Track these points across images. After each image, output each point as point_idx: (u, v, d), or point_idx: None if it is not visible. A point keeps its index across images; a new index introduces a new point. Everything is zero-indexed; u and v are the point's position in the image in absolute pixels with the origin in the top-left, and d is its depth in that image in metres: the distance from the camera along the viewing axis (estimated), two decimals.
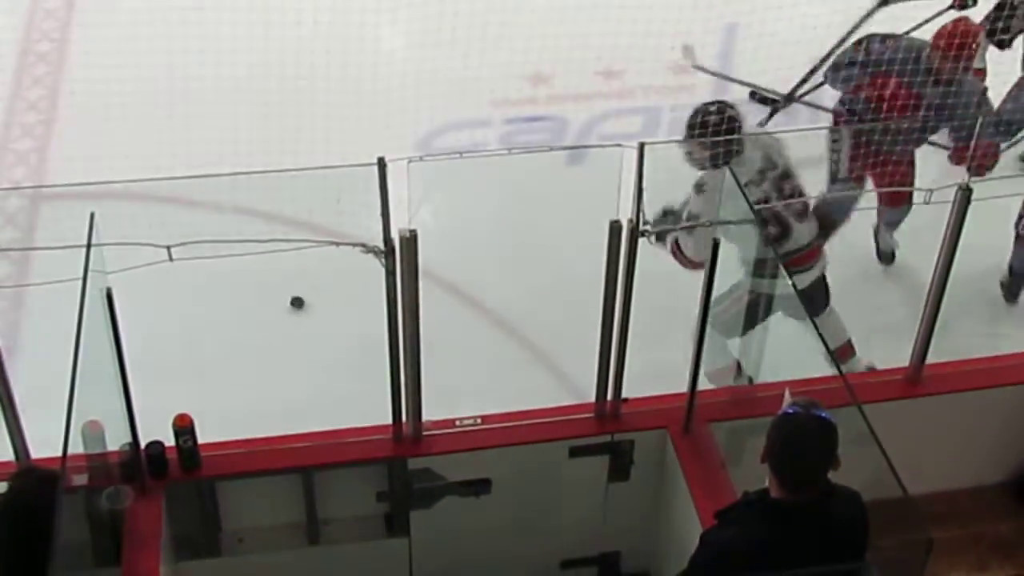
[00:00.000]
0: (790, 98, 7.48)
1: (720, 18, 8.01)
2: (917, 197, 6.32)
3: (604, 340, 4.59)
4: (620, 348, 4.59)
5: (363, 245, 4.15)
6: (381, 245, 4.14)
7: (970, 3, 6.85)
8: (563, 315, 6.20)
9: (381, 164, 3.96)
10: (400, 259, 4.14)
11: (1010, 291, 6.72)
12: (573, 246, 5.85)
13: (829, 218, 5.98)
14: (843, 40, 7.04)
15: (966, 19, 6.12)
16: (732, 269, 4.58)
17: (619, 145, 5.45)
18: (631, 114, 7.44)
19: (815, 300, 5.49)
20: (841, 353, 5.61)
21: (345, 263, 5.74)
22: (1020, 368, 5.16)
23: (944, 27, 5.99)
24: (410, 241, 4.08)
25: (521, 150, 6.19)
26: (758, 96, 7.55)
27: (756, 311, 5.07)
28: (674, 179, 5.56)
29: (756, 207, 4.60)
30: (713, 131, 5.11)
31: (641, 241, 4.33)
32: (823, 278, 5.57)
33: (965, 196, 4.56)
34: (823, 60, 7.16)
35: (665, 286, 5.67)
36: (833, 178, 6.11)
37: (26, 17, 8.09)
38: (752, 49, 7.84)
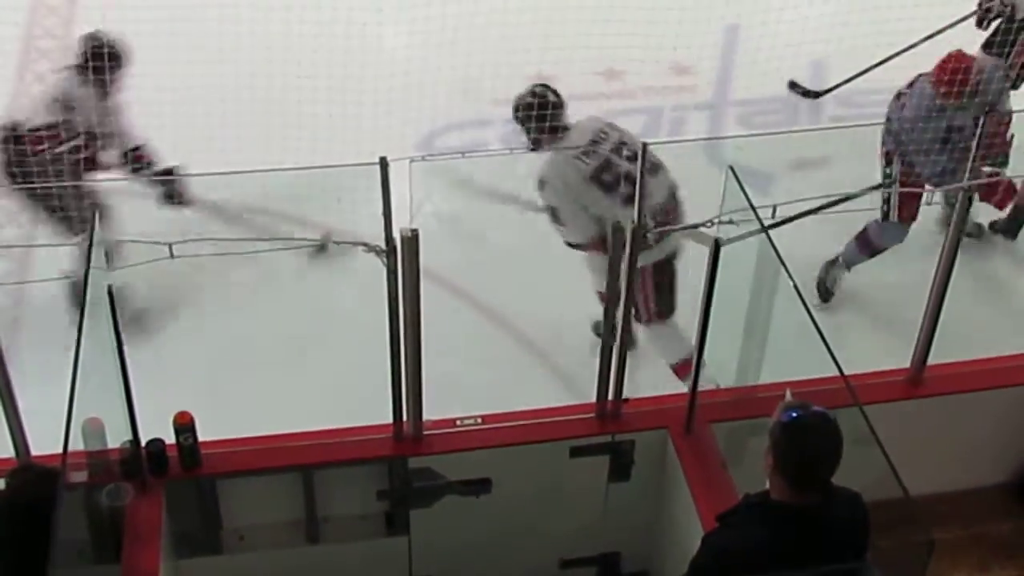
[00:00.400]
0: (819, 94, 7.62)
1: (721, 19, 8.01)
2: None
3: (605, 341, 4.59)
4: (621, 348, 4.58)
5: (365, 244, 4.15)
6: (383, 244, 4.14)
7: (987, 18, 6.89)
8: (565, 315, 6.20)
9: (383, 163, 3.96)
10: (402, 258, 4.13)
11: (1008, 228, 6.80)
12: None
13: (880, 247, 6.31)
14: (887, 59, 7.11)
15: (959, 51, 6.16)
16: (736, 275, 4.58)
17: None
18: (632, 115, 7.42)
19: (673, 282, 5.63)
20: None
21: (346, 262, 5.75)
22: (1022, 369, 5.16)
23: (938, 64, 6.04)
24: (411, 240, 4.08)
25: (523, 150, 6.18)
26: (799, 89, 7.62)
27: (662, 288, 5.50)
28: (675, 179, 5.57)
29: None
30: (538, 113, 5.40)
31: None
32: (678, 250, 5.59)
33: (967, 198, 4.57)
34: (861, 72, 7.31)
35: None
36: (885, 217, 6.26)
37: (29, 14, 8.09)
38: (753, 50, 7.83)
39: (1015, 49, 6.47)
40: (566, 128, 5.51)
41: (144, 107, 7.00)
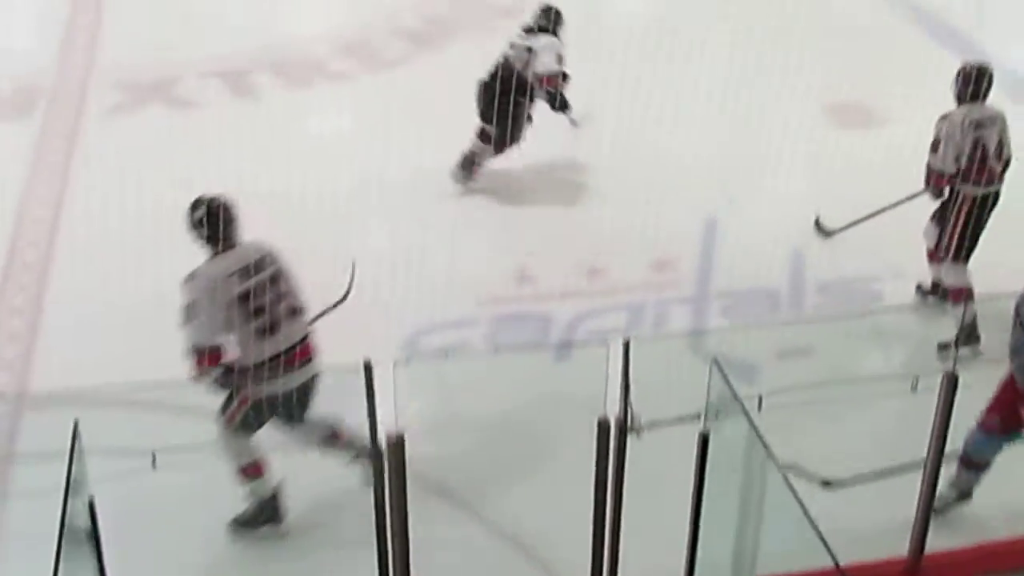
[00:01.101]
0: (829, 232, 7.91)
1: (700, 213, 8.15)
2: (904, 383, 6.36)
3: (596, 539, 4.52)
4: (613, 546, 4.52)
5: (346, 452, 4.11)
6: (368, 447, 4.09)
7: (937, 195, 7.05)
8: (555, 514, 6.11)
9: (367, 368, 3.94)
10: (388, 463, 4.08)
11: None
12: (562, 443, 5.81)
13: (975, 459, 5.45)
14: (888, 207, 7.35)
15: None
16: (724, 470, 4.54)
17: (604, 342, 5.50)
18: (615, 311, 7.48)
19: (307, 400, 5.68)
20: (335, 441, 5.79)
21: (331, 466, 5.68)
22: (1018, 554, 5.10)
23: None
24: (397, 446, 4.03)
25: (507, 349, 6.20)
26: (819, 225, 7.97)
27: (260, 413, 5.47)
28: (660, 375, 5.57)
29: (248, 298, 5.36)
30: (209, 221, 5.47)
31: (631, 438, 4.31)
32: (314, 379, 5.69)
33: (951, 383, 4.57)
34: (863, 218, 7.53)
35: (655, 482, 5.64)
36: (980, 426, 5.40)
37: (13, 224, 8.17)
38: (733, 241, 7.96)
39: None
40: (233, 245, 5.58)
41: (129, 316, 7.06)
